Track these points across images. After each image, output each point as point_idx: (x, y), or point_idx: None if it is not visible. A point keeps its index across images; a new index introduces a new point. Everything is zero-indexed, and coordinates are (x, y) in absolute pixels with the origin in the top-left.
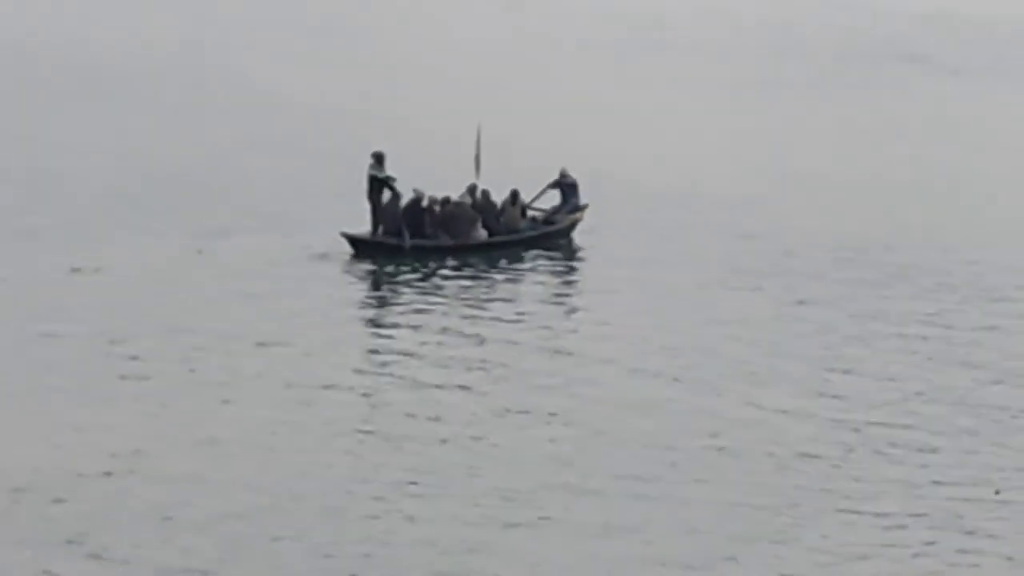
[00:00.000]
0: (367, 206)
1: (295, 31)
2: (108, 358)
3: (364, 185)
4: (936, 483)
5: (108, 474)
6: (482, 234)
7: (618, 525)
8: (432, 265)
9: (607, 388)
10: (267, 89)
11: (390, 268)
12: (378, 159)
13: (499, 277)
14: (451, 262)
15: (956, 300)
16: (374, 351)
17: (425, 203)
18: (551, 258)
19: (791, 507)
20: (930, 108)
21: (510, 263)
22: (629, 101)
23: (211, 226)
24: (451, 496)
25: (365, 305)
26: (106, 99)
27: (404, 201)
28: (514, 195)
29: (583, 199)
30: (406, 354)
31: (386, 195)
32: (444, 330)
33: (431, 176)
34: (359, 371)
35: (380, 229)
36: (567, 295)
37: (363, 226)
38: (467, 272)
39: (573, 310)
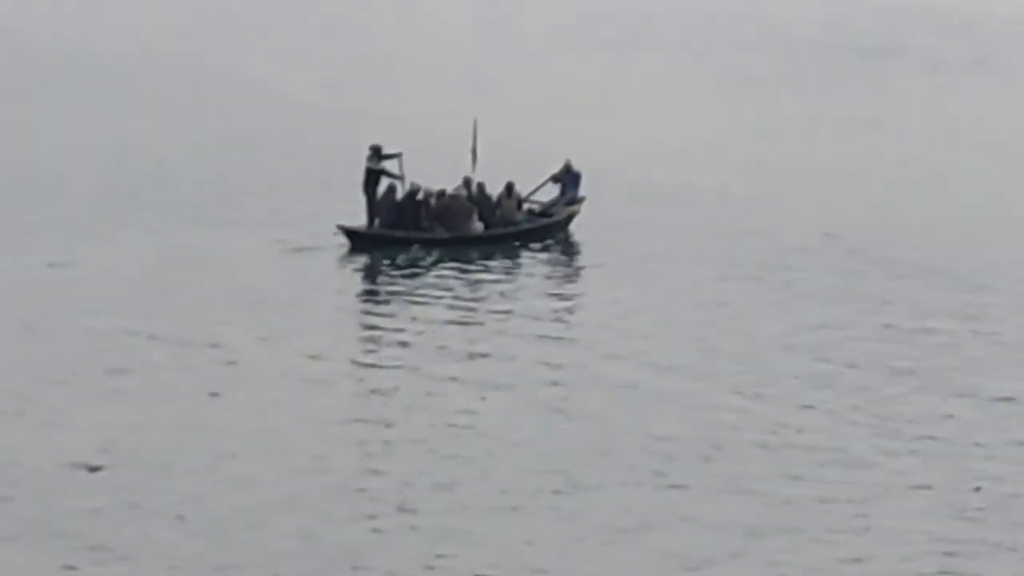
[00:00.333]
0: (363, 199)
1: (294, 30)
2: (105, 352)
3: (361, 178)
4: (925, 477)
5: (105, 469)
6: (478, 227)
7: (618, 518)
8: (428, 258)
9: (604, 380)
10: (264, 87)
11: (386, 261)
12: (375, 151)
13: (495, 269)
14: (447, 255)
15: (970, 296)
16: (369, 342)
17: (421, 196)
18: (547, 250)
19: (789, 502)
20: (914, 104)
21: (506, 256)
22: (617, 96)
23: (206, 220)
24: (450, 488)
25: (360, 297)
26: (102, 97)
27: (405, 185)
28: (509, 187)
29: (582, 192)
30: (401, 345)
31: (381, 188)
32: (440, 322)
33: (425, 170)
34: (354, 362)
35: (376, 222)
36: (563, 287)
37: (357, 220)
38: (463, 265)
39: (569, 302)
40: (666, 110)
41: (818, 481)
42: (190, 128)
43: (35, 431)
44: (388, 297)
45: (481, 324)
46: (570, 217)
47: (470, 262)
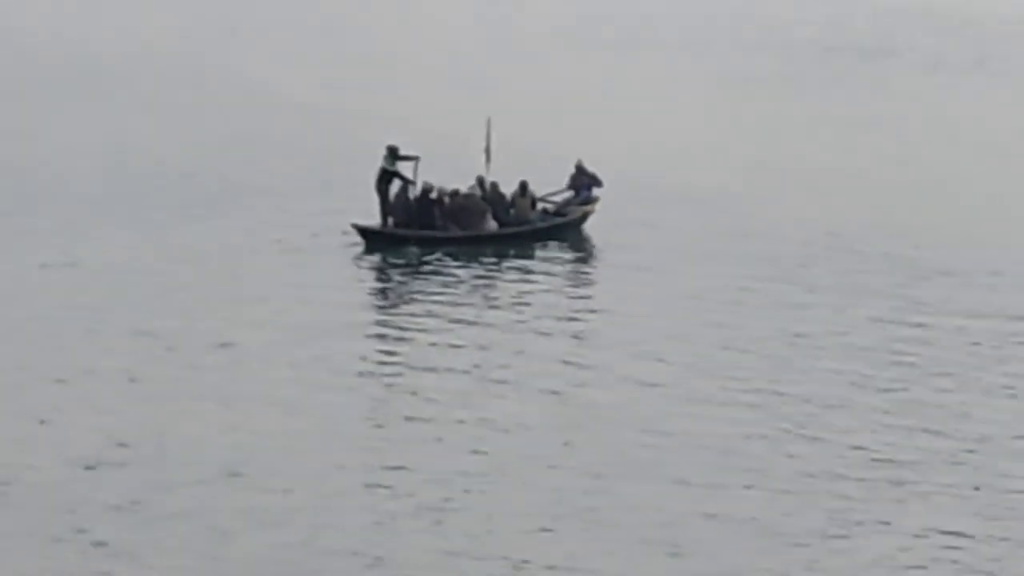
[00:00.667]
0: (375, 198)
1: (294, 30)
2: (105, 352)
3: (374, 177)
4: (922, 477)
5: (106, 465)
6: (492, 225)
7: (642, 516)
8: (442, 256)
9: (623, 377)
10: (264, 87)
11: (400, 259)
12: (392, 152)
13: (509, 268)
14: (461, 253)
15: (971, 296)
16: (381, 340)
17: (435, 195)
18: (561, 249)
19: (793, 495)
20: (914, 103)
21: (520, 254)
22: (617, 96)
23: (206, 220)
24: (467, 485)
25: (374, 295)
26: (102, 97)
27: (416, 190)
28: (523, 186)
29: (598, 191)
30: (414, 343)
31: (395, 187)
32: (453, 320)
33: (424, 169)
34: (365, 360)
35: (390, 220)
36: (578, 285)
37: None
38: (477, 263)
39: (584, 300)
40: (666, 110)
41: (820, 475)
42: (190, 128)
43: (35, 431)
44: (401, 295)
45: (494, 322)
46: (584, 216)
47: (484, 260)
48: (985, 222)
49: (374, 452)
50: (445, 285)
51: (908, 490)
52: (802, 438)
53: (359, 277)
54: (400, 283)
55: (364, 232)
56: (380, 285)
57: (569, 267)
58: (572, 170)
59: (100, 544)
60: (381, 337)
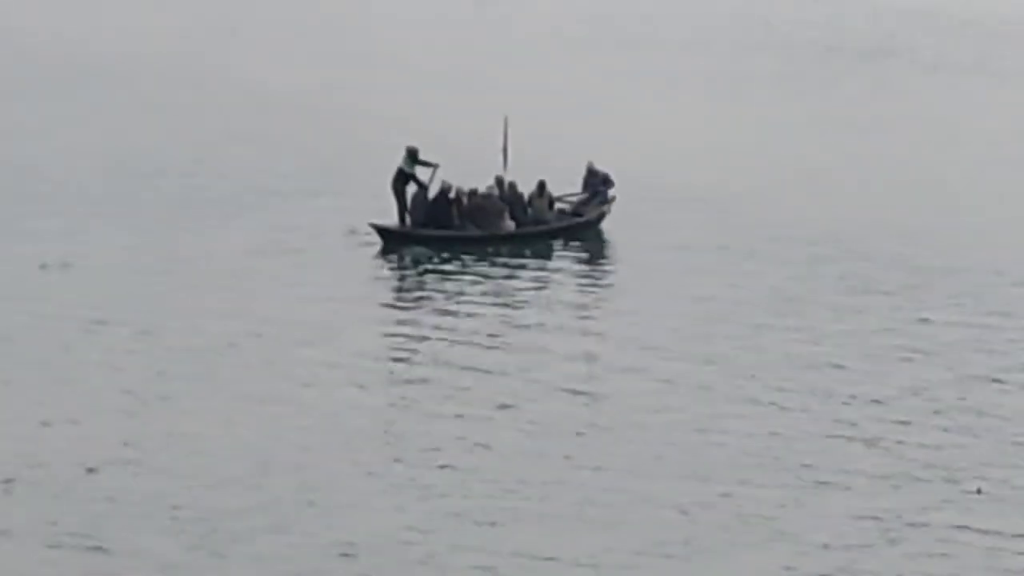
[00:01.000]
0: (391, 197)
1: (294, 30)
2: (106, 352)
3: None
4: (919, 479)
5: (110, 466)
6: (510, 225)
7: (665, 516)
8: (460, 256)
9: (640, 375)
10: (264, 87)
11: (409, 259)
12: (411, 154)
13: (526, 267)
14: (479, 253)
15: (970, 295)
16: (396, 338)
17: (453, 195)
18: (578, 248)
19: (813, 494)
20: (915, 104)
21: (537, 253)
22: (617, 96)
23: (206, 220)
24: (488, 480)
25: (392, 294)
26: (102, 97)
27: (431, 193)
28: (541, 186)
29: (613, 191)
30: (431, 340)
31: (411, 188)
32: (472, 317)
33: (455, 169)
34: (378, 359)
35: (408, 220)
36: (594, 285)
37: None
38: (495, 262)
39: (601, 300)
40: (665, 110)
41: (823, 467)
42: (190, 128)
43: (36, 432)
44: (419, 293)
45: (512, 321)
46: (601, 216)
47: (501, 260)
48: (985, 222)
49: (388, 451)
50: (462, 284)
51: (917, 488)
52: (822, 437)
53: (372, 277)
54: (417, 283)
55: (382, 232)
56: (396, 284)
57: (586, 266)
58: (584, 172)
59: (102, 545)
60: (395, 336)
